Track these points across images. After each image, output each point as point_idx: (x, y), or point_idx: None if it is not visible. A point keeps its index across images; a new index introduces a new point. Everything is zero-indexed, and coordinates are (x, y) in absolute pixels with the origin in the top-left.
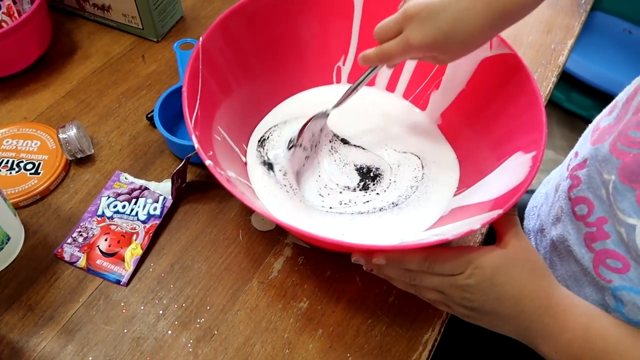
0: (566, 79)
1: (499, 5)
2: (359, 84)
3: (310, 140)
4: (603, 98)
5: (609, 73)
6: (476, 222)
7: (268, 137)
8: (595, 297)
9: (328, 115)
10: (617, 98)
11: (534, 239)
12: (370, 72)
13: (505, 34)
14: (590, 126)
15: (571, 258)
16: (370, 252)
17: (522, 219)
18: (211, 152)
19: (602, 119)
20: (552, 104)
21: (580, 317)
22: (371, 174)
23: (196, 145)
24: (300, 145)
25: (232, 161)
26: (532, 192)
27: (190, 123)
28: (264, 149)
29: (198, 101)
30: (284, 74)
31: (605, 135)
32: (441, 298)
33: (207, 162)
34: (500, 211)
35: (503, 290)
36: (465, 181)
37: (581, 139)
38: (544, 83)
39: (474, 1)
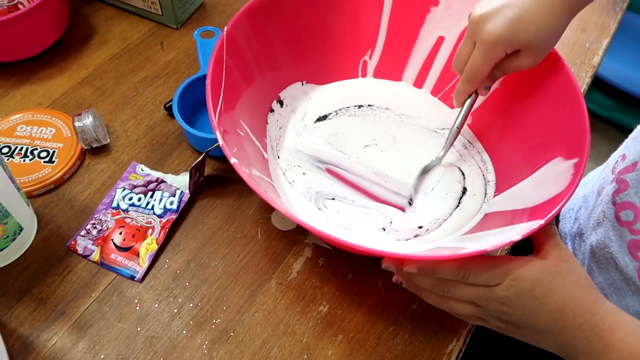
0: None
1: None
2: (459, 123)
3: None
4: (625, 99)
5: (634, 74)
6: (516, 233)
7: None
8: (639, 307)
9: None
10: None
11: (571, 243)
12: (467, 107)
13: None
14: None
15: (612, 266)
16: (401, 260)
17: (556, 221)
18: (235, 149)
19: None
20: None
21: (627, 337)
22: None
23: (221, 142)
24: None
25: (255, 158)
26: None
27: (214, 118)
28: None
29: (222, 95)
30: (308, 65)
31: None
32: (476, 312)
33: (233, 161)
34: (542, 222)
35: (543, 304)
36: (499, 185)
37: (629, 141)
38: (578, 84)
39: None
